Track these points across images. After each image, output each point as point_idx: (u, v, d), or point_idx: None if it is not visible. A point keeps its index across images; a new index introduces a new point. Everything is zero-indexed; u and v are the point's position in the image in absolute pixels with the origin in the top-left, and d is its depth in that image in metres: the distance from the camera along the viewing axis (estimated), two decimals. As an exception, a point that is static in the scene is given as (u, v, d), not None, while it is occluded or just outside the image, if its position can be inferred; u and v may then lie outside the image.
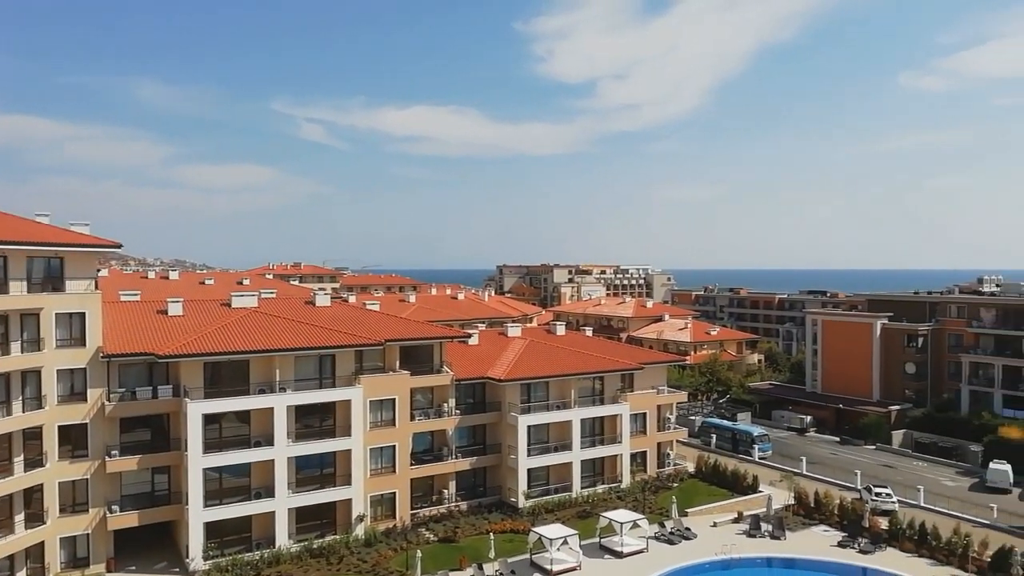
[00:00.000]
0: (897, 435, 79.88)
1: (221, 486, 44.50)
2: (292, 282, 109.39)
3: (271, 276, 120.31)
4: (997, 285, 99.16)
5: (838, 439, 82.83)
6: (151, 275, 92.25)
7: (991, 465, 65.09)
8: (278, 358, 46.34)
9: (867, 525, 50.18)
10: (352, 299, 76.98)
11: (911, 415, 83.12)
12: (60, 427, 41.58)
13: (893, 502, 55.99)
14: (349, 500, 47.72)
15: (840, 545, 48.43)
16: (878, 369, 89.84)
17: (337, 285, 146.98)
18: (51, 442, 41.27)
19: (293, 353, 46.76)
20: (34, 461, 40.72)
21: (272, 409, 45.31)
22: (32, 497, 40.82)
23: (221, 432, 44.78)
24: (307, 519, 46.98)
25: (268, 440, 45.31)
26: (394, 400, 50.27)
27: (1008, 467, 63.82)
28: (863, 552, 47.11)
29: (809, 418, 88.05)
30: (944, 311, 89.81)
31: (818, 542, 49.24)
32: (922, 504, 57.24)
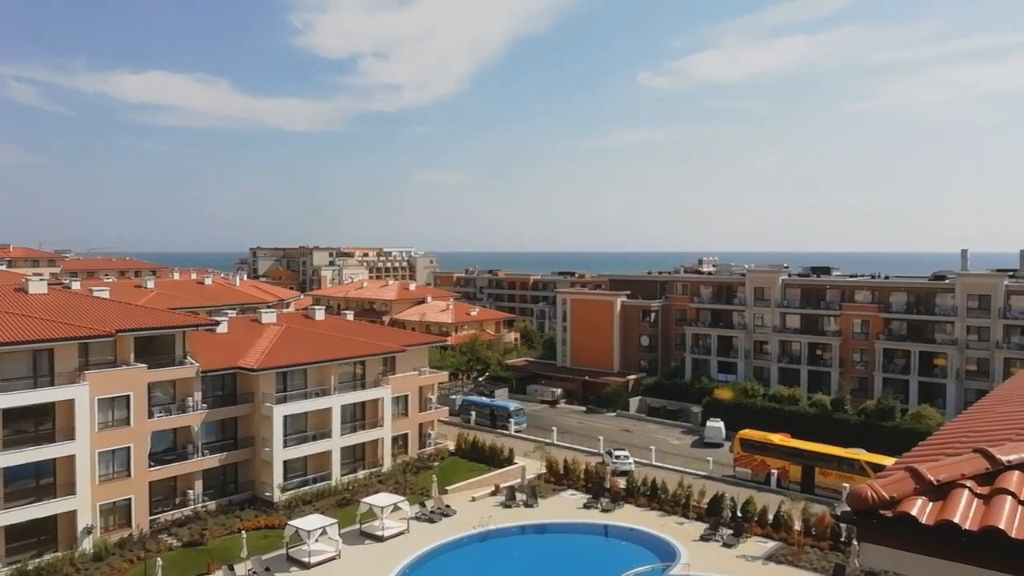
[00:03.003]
0: (634, 402, 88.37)
1: (-101, 511, 37.12)
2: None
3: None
4: (713, 265, 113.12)
5: (585, 409, 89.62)
6: None
7: (708, 423, 74.46)
8: (-24, 355, 39.51)
9: (608, 486, 54.89)
10: (76, 285, 67.94)
11: (646, 383, 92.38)
12: None
13: (630, 463, 61.85)
14: (74, 511, 42.20)
15: (585, 507, 52.51)
16: (618, 342, 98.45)
17: (57, 270, 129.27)
18: None
19: (-3, 349, 40.15)
20: None
21: (-31, 415, 38.60)
22: None
23: (-102, 447, 37.29)
24: (21, 537, 40.84)
25: (-36, 452, 38.56)
26: (128, 397, 45.25)
27: (721, 424, 73.37)
28: (604, 511, 51.51)
29: (560, 391, 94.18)
30: (672, 289, 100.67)
31: (566, 506, 52.95)
32: (654, 463, 63.90)
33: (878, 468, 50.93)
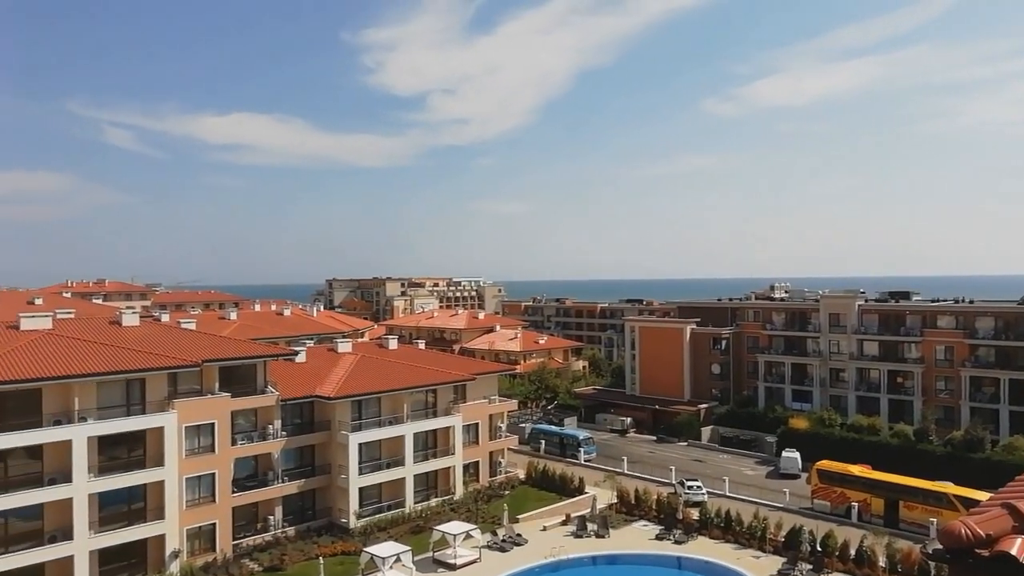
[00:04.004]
0: (706, 431, 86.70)
1: (7, 532, 39.53)
2: (94, 301, 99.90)
3: (69, 295, 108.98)
4: (786, 291, 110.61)
5: (655, 438, 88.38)
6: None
7: (783, 453, 72.40)
8: (77, 385, 42.03)
9: (681, 517, 53.95)
10: (165, 318, 71.56)
11: (717, 412, 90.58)
12: None
13: (703, 494, 60.70)
14: (162, 536, 44.14)
15: (657, 538, 51.72)
16: (688, 370, 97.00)
17: (148, 303, 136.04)
18: None
19: (94, 379, 42.62)
20: None
21: (70, 442, 41.00)
22: None
23: (7, 471, 39.83)
24: (113, 561, 42.86)
25: (65, 476, 40.91)
26: (213, 425, 47.27)
27: (797, 455, 71.24)
28: (677, 543, 50.61)
29: (629, 419, 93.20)
30: (743, 316, 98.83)
31: (638, 537, 52.27)
32: (727, 493, 62.51)
33: (968, 502, 48.70)
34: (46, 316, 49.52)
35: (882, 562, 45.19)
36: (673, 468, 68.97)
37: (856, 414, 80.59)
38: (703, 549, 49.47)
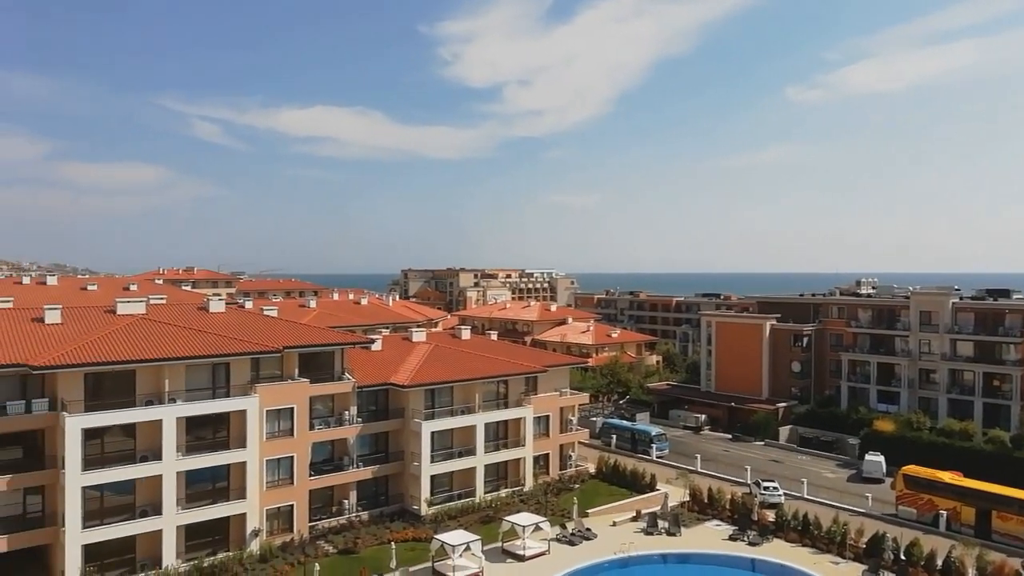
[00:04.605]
0: (784, 431, 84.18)
1: (102, 505, 41.89)
2: (184, 287, 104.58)
3: (160, 282, 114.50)
4: (873, 287, 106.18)
5: (730, 436, 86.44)
6: (26, 280, 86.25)
7: (866, 457, 69.59)
8: (168, 367, 44.12)
9: (756, 518, 52.60)
10: (249, 305, 74.26)
11: (797, 411, 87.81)
12: (-83, 447, 38.12)
13: (780, 495, 59.00)
14: (243, 515, 45.96)
15: (731, 538, 50.55)
16: (767, 368, 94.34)
17: (233, 290, 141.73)
18: (-94, 464, 37.73)
19: (184, 362, 44.61)
20: None
21: (160, 421, 43.11)
22: None
23: (103, 447, 42.19)
24: (198, 536, 44.87)
25: (156, 454, 43.05)
26: (292, 409, 48.84)
27: (881, 458, 68.37)
28: (752, 544, 49.34)
29: (704, 417, 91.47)
30: (826, 312, 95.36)
31: (711, 536, 51.23)
32: (805, 496, 60.56)
33: (1070, 516, 45.68)
34: (140, 301, 52.14)
35: (971, 574, 42.90)
36: (749, 468, 67.28)
37: (947, 418, 76.80)
38: (778, 552, 48.08)
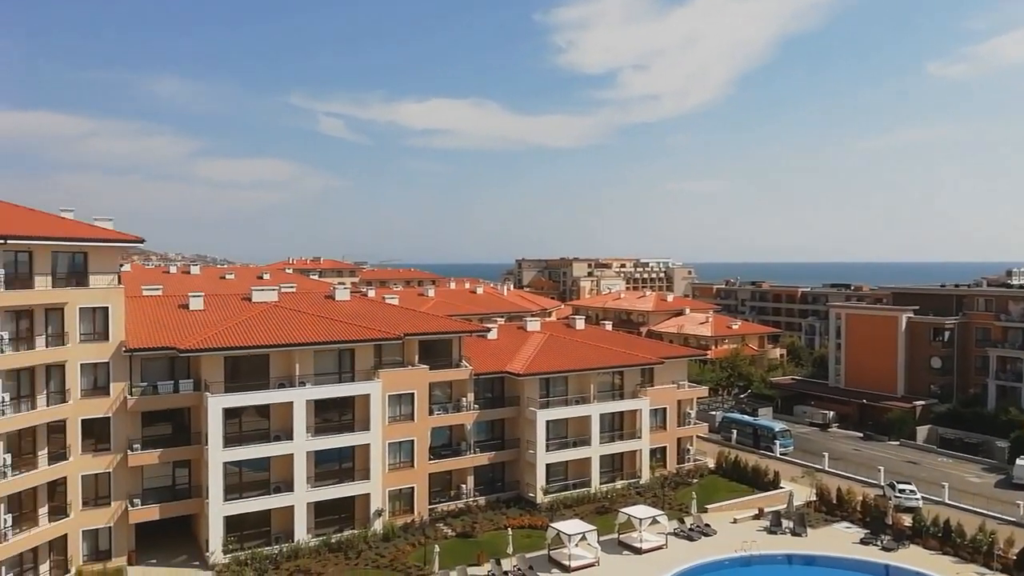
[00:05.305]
0: (922, 431, 78.78)
1: (241, 480, 44.80)
2: (312, 276, 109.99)
3: (291, 271, 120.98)
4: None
5: (861, 435, 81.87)
6: (172, 270, 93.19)
7: (1018, 461, 64.00)
8: (298, 352, 46.50)
9: (890, 522, 49.48)
10: (371, 293, 77.12)
11: (936, 410, 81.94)
12: (83, 421, 42.01)
13: (917, 499, 55.25)
14: (368, 495, 47.88)
15: (862, 542, 47.79)
16: (903, 363, 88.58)
17: (356, 279, 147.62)
18: (74, 436, 41.71)
19: (313, 347, 46.91)
20: (58, 455, 41.15)
21: (292, 403, 45.51)
22: (56, 490, 41.31)
23: (241, 426, 45.08)
24: (326, 513, 47.17)
25: (287, 434, 45.54)
26: (413, 394, 50.31)
27: (1036, 464, 62.65)
28: (886, 549, 46.48)
29: (832, 413, 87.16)
30: (971, 304, 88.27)
31: (840, 539, 48.65)
32: (947, 501, 56.41)
33: None
34: (272, 290, 55.16)
35: None
36: (882, 469, 63.35)
37: (1115, 422, 69.35)
38: (915, 559, 45.00)
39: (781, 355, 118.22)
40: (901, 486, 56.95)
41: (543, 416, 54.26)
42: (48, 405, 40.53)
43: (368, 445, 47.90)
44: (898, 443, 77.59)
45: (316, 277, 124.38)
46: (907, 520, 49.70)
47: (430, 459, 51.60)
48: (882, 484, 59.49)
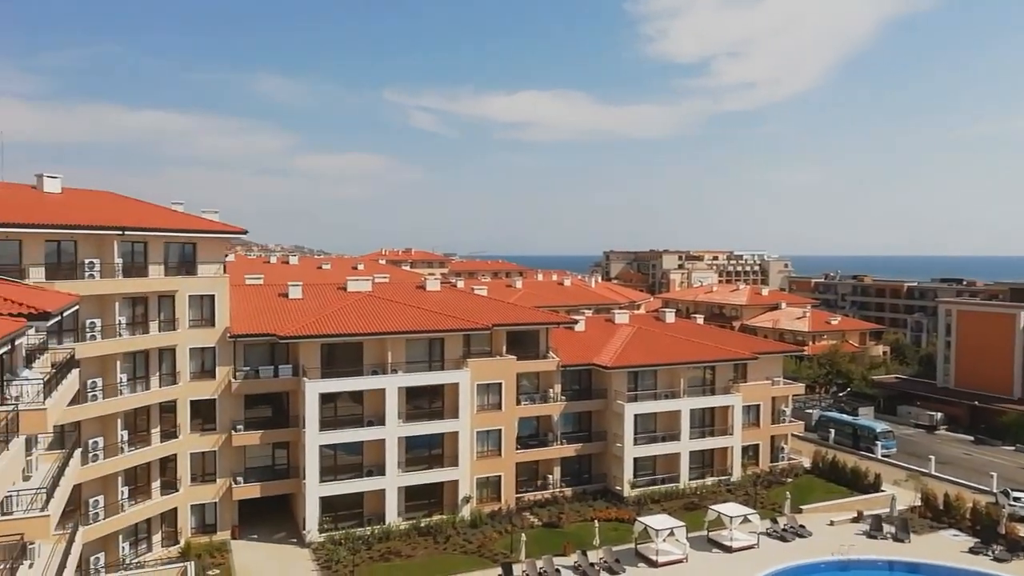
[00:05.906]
0: (1041, 436, 73.38)
1: (336, 463, 46.46)
2: (403, 267, 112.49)
3: (384, 261, 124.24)
4: None
5: (972, 438, 77.08)
6: (273, 260, 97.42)
7: None
8: (390, 341, 47.74)
9: (1003, 531, 46.43)
10: (460, 284, 78.20)
11: (1058, 415, 76.16)
12: (192, 402, 44.56)
13: (1035, 508, 51.58)
14: (456, 481, 48.73)
15: (972, 552, 45.08)
16: (1020, 364, 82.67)
17: (446, 270, 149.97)
18: (184, 416, 44.31)
19: (404, 336, 48.05)
20: (169, 433, 43.81)
21: (384, 390, 46.80)
22: (167, 466, 44.02)
23: (336, 411, 46.72)
24: (415, 498, 48.36)
25: (380, 420, 46.87)
26: (501, 384, 50.77)
27: None
28: (998, 560, 43.67)
29: (939, 415, 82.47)
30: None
31: (946, 547, 46.04)
32: (1069, 512, 52.38)
33: None
34: (366, 280, 56.82)
35: None
36: (995, 475, 59.43)
37: None
38: (1033, 573, 42.10)
39: (884, 353, 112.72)
40: (1016, 494, 53.27)
41: (631, 410, 53.69)
42: (160, 386, 43.11)
43: (457, 433, 48.71)
44: (1013, 448, 72.63)
45: (407, 268, 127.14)
46: (1022, 530, 46.53)
47: (517, 449, 51.98)
48: (995, 491, 55.82)
